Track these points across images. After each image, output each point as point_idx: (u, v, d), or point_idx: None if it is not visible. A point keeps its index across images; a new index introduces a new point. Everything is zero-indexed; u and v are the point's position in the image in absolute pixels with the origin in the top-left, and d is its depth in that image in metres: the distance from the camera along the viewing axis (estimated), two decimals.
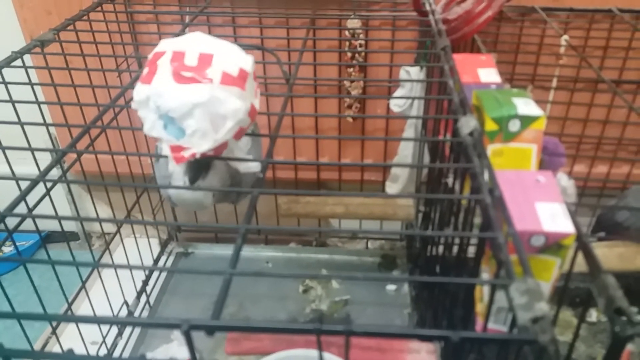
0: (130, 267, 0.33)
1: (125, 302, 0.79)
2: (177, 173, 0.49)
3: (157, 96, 0.37)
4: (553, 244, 0.36)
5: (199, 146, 0.38)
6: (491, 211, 0.35)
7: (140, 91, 0.38)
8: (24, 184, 0.41)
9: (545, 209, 0.37)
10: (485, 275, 0.41)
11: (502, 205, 0.35)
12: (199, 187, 0.55)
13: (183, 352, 0.78)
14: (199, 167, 0.47)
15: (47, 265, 0.77)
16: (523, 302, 0.28)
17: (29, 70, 0.57)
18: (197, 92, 0.37)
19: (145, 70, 0.39)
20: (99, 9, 0.71)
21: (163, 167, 0.58)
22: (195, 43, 0.39)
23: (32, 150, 0.48)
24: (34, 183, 0.40)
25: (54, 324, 0.67)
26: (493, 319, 0.40)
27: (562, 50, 0.70)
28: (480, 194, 0.36)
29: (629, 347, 0.31)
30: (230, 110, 0.38)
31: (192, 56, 0.38)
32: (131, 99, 0.40)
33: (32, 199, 0.54)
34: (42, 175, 0.41)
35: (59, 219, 0.39)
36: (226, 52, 0.39)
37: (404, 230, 0.97)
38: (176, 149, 0.38)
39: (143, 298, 0.85)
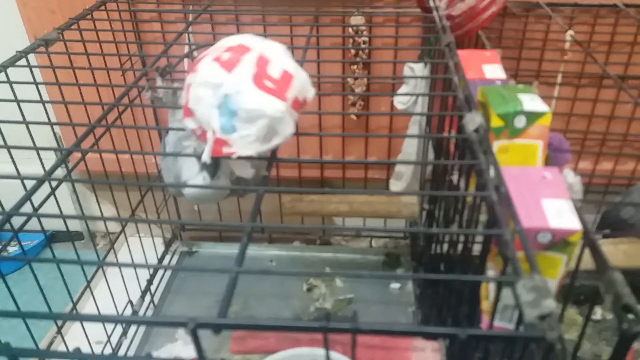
0: (134, 266, 0.33)
1: (130, 302, 0.79)
2: (189, 168, 0.49)
3: (234, 89, 0.38)
4: (560, 241, 0.36)
5: (243, 150, 0.39)
6: (497, 208, 0.34)
7: (216, 73, 0.38)
8: (29, 184, 0.41)
9: (552, 206, 0.36)
10: (491, 272, 0.40)
11: (508, 202, 0.34)
12: (208, 185, 0.55)
13: (188, 351, 0.78)
14: (215, 163, 0.48)
15: (52, 265, 0.77)
16: (530, 299, 0.28)
17: (33, 69, 0.57)
18: (274, 106, 0.38)
19: (226, 55, 0.39)
20: (103, 7, 0.71)
21: (171, 161, 0.58)
22: (279, 56, 0.41)
23: (37, 149, 0.48)
24: (40, 182, 0.40)
25: (59, 323, 0.68)
26: (499, 317, 0.39)
27: (567, 45, 0.69)
28: (486, 191, 0.36)
29: (635, 344, 0.31)
30: (286, 133, 0.40)
31: (275, 69, 0.40)
32: (135, 98, 0.40)
33: (37, 198, 0.54)
34: (48, 175, 0.41)
35: (64, 217, 0.39)
36: (301, 79, 0.41)
37: (409, 228, 0.97)
38: (220, 142, 0.39)
39: (147, 297, 0.85)
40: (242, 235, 0.34)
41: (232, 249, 0.99)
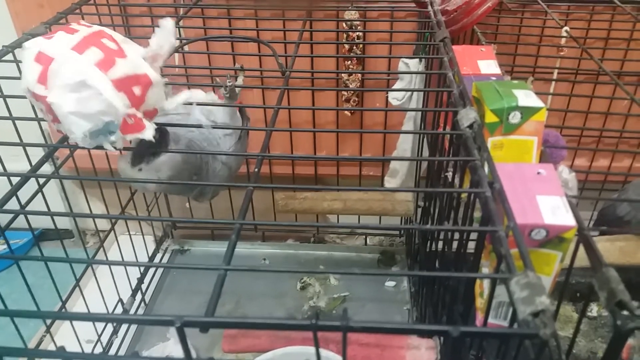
0: (124, 264, 0.32)
1: (120, 300, 0.78)
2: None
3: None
4: (554, 238, 0.35)
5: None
6: (491, 204, 0.34)
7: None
8: (16, 181, 0.40)
9: (546, 202, 0.36)
10: (485, 269, 0.40)
11: (502, 199, 0.34)
12: (197, 182, 0.54)
13: (180, 350, 0.77)
14: (141, 151, 0.48)
15: (40, 263, 0.75)
16: (524, 296, 0.28)
17: (20, 64, 0.55)
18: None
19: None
20: (92, 2, 0.70)
21: None
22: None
23: (24, 145, 0.47)
24: (25, 179, 0.39)
25: (48, 322, 0.66)
26: (493, 314, 0.39)
27: (563, 41, 0.69)
28: (480, 187, 0.35)
29: (630, 341, 0.30)
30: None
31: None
32: None
33: (24, 196, 0.53)
34: (33, 171, 0.40)
35: (52, 215, 0.38)
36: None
37: (403, 225, 0.97)
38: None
39: (138, 296, 0.84)
40: (231, 233, 0.33)
41: (225, 247, 0.97)
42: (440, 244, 0.58)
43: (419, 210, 0.83)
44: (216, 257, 0.96)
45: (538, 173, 0.38)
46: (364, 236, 1.03)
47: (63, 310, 0.67)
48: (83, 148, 0.41)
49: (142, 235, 0.90)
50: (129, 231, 0.87)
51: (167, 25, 0.44)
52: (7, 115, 0.53)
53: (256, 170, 0.40)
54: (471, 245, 0.42)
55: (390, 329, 0.26)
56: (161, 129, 0.49)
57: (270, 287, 0.88)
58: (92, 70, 0.37)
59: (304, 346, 0.61)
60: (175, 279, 0.91)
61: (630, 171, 0.88)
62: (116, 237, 0.84)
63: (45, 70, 0.37)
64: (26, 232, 1.03)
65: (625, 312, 0.30)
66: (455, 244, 0.49)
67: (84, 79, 0.37)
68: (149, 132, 0.41)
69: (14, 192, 0.39)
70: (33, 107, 0.58)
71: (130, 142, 0.43)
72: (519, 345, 0.37)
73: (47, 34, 0.40)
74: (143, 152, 0.49)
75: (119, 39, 0.42)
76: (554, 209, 0.36)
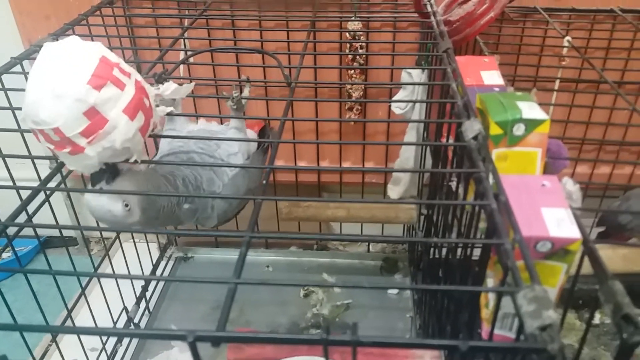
0: (130, 277, 0.33)
1: (125, 308, 0.78)
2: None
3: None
4: (559, 250, 0.35)
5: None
6: (497, 217, 0.34)
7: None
8: (23, 187, 0.40)
9: (551, 214, 0.36)
10: (490, 280, 0.40)
11: (508, 211, 0.34)
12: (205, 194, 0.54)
13: (183, 358, 0.77)
14: (101, 170, 0.44)
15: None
16: (531, 309, 0.28)
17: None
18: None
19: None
20: (98, 13, 0.71)
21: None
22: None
23: (32, 158, 0.48)
24: (35, 192, 0.40)
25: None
26: (499, 325, 0.39)
27: (564, 51, 0.70)
28: (486, 199, 0.36)
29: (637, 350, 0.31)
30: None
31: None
32: None
33: (31, 205, 0.54)
34: (44, 184, 0.41)
35: (59, 228, 0.39)
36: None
37: (407, 238, 0.97)
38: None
39: (143, 304, 0.84)
40: (241, 246, 0.33)
41: (228, 254, 0.98)
42: (444, 251, 0.58)
43: (422, 217, 0.83)
44: (220, 264, 0.96)
45: (542, 185, 0.39)
46: (366, 243, 1.03)
47: (69, 319, 0.67)
48: None
49: (147, 242, 0.90)
50: (133, 239, 0.87)
51: (188, 87, 0.48)
52: (15, 127, 0.54)
53: (264, 182, 0.40)
54: (475, 252, 0.42)
55: (399, 344, 0.27)
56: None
57: (274, 295, 0.88)
58: (137, 137, 0.40)
59: (310, 356, 0.61)
60: (179, 286, 0.91)
61: (631, 179, 0.89)
62: (121, 244, 0.85)
63: (96, 129, 0.37)
64: (31, 240, 1.04)
65: (631, 327, 0.30)
66: (459, 251, 0.49)
67: (129, 146, 0.40)
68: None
69: (24, 206, 0.39)
70: None
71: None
72: (524, 358, 0.37)
73: (86, 76, 0.37)
74: (101, 174, 0.44)
75: (147, 86, 0.43)
76: (558, 221, 0.36)
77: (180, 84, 0.49)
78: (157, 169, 0.53)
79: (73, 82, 0.36)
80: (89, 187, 0.44)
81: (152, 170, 0.53)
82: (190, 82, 0.52)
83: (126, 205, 0.45)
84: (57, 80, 0.36)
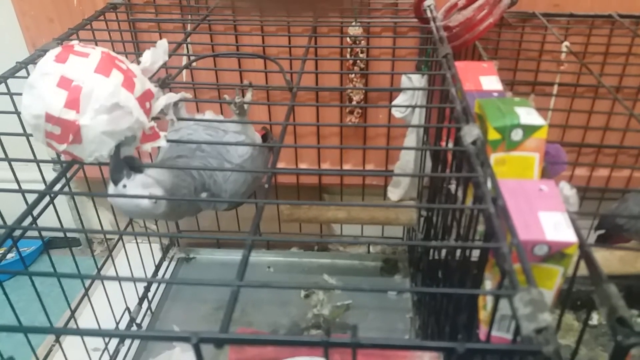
0: (133, 280, 0.33)
1: (127, 309, 0.79)
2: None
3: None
4: (556, 253, 0.36)
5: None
6: (495, 220, 0.35)
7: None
8: (28, 190, 0.41)
9: (548, 218, 0.37)
10: (489, 282, 0.41)
11: (505, 215, 0.35)
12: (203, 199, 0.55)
13: (185, 358, 0.78)
14: (118, 166, 0.44)
15: (49, 271, 0.77)
16: (527, 312, 0.29)
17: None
18: None
19: None
20: (102, 17, 0.71)
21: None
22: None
23: (38, 161, 0.49)
24: (41, 196, 0.41)
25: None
26: (496, 327, 0.40)
27: (562, 56, 0.70)
28: (484, 203, 0.36)
29: (632, 350, 0.32)
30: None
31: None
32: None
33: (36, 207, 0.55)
34: (49, 188, 0.42)
35: (64, 231, 0.40)
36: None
37: (406, 241, 0.98)
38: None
39: (145, 304, 0.85)
40: (244, 249, 0.34)
41: (230, 255, 0.99)
42: (444, 252, 0.59)
43: (422, 219, 0.84)
44: (221, 265, 0.97)
45: (540, 189, 0.39)
46: (367, 244, 1.04)
47: (72, 320, 0.68)
48: (92, 164, 0.43)
49: (149, 243, 0.91)
50: (136, 239, 0.88)
51: (162, 44, 0.47)
52: (21, 131, 0.54)
53: (266, 186, 0.41)
54: (474, 253, 0.43)
55: (399, 346, 0.28)
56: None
57: (275, 295, 0.89)
58: (122, 92, 0.40)
59: (311, 357, 0.62)
60: (182, 287, 0.92)
61: (629, 181, 0.89)
62: (124, 245, 0.85)
63: (75, 95, 0.39)
64: (35, 240, 1.05)
65: (626, 328, 0.31)
66: (458, 253, 0.50)
67: (117, 101, 0.40)
68: (163, 140, 0.44)
69: (30, 210, 0.40)
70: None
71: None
72: (520, 358, 0.38)
73: (50, 57, 0.41)
74: (120, 169, 0.44)
75: (122, 58, 0.44)
76: (555, 225, 0.37)
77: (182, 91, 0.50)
78: (172, 162, 0.55)
79: (40, 66, 0.41)
80: (110, 187, 0.45)
81: (172, 160, 0.55)
82: (193, 86, 0.53)
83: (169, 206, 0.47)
84: (31, 77, 0.41)
